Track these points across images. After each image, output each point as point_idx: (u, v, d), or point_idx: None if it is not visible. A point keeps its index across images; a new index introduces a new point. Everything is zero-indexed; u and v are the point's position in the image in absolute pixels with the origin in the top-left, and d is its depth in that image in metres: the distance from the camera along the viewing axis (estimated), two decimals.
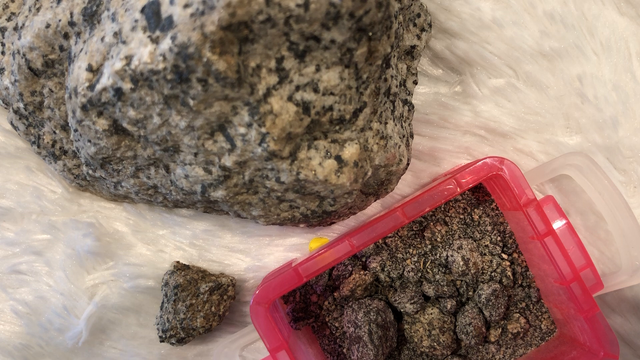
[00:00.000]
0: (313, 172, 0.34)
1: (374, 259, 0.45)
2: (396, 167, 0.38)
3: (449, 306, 0.44)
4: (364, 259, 0.46)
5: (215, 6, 0.26)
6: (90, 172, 0.40)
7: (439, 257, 0.44)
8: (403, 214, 0.38)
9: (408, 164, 0.41)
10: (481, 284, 0.44)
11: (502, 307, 0.43)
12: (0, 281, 0.47)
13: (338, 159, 0.34)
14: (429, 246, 0.45)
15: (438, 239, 0.45)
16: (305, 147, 0.33)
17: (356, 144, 0.34)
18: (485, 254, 0.44)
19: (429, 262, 0.44)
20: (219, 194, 0.36)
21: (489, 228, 0.45)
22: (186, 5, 0.27)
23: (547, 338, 0.44)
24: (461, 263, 0.42)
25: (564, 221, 0.40)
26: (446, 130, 0.46)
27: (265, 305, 0.39)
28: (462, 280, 0.44)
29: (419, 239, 0.45)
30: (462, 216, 0.45)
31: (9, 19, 0.42)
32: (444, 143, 0.46)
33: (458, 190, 0.38)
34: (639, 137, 0.44)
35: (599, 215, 0.45)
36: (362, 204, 0.41)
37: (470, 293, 0.44)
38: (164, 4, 0.27)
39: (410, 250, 0.45)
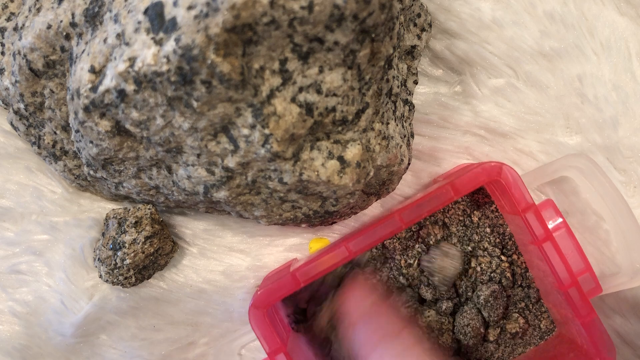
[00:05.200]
0: (316, 173, 0.34)
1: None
2: (397, 167, 0.39)
3: (444, 307, 0.44)
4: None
5: (219, 8, 0.26)
6: (91, 172, 0.39)
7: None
8: (401, 219, 0.38)
9: (409, 164, 0.41)
10: (480, 284, 0.44)
11: (501, 307, 0.43)
12: (0, 281, 0.47)
13: (341, 159, 0.34)
14: (427, 248, 0.45)
15: (432, 242, 0.45)
16: (308, 148, 0.33)
17: (358, 144, 0.34)
18: (484, 256, 0.44)
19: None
20: (221, 194, 0.36)
21: (488, 230, 0.45)
22: (190, 7, 0.27)
23: (546, 337, 0.45)
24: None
25: (563, 226, 0.40)
26: (446, 130, 0.46)
27: (263, 309, 0.39)
28: (461, 282, 0.44)
29: (413, 241, 0.45)
30: (461, 218, 0.45)
31: (8, 19, 0.41)
32: (444, 143, 0.46)
33: (456, 196, 0.38)
34: (639, 137, 0.44)
35: (600, 215, 0.45)
36: (364, 204, 0.41)
37: (470, 294, 0.44)
38: (167, 6, 0.27)
39: (407, 253, 0.45)
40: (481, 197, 0.46)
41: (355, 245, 0.38)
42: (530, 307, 0.45)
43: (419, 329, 0.43)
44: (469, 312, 0.43)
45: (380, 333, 0.35)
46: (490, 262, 0.44)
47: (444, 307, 0.44)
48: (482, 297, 0.43)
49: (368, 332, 0.35)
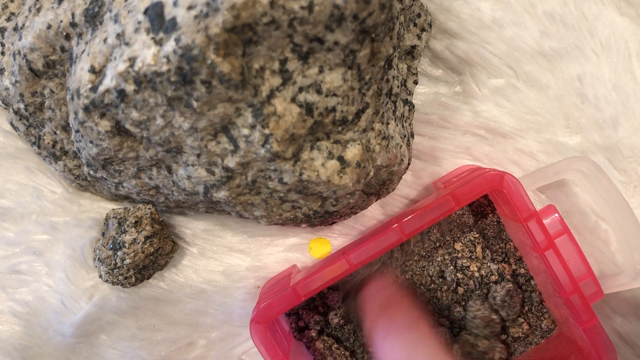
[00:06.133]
0: (316, 173, 0.34)
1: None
2: (397, 167, 0.39)
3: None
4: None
5: (219, 8, 0.26)
6: (91, 172, 0.39)
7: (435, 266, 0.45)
8: (401, 230, 0.38)
9: (409, 164, 0.41)
10: (493, 285, 0.44)
11: (518, 305, 0.43)
12: (0, 281, 0.47)
13: (341, 159, 0.34)
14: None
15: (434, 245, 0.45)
16: (308, 148, 0.33)
17: (358, 144, 0.34)
18: (486, 261, 0.44)
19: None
20: (221, 194, 0.36)
21: (490, 235, 0.45)
22: (190, 7, 0.27)
23: (547, 336, 0.45)
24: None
25: (565, 231, 0.40)
26: (446, 130, 0.46)
27: (264, 324, 0.39)
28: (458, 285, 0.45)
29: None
30: (460, 223, 0.45)
31: (8, 19, 0.41)
32: (444, 143, 0.46)
33: (457, 206, 0.38)
34: (639, 137, 0.44)
35: (600, 215, 0.45)
36: (364, 204, 0.41)
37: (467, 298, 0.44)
38: (167, 6, 0.27)
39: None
40: (481, 198, 0.45)
41: (356, 257, 0.38)
42: (533, 310, 0.45)
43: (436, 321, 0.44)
44: (473, 305, 0.44)
45: (395, 323, 0.35)
46: (489, 266, 0.44)
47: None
48: (498, 298, 0.43)
49: (384, 323, 0.36)
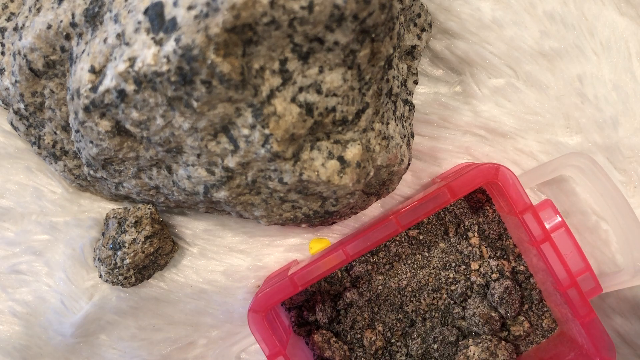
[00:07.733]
0: (316, 173, 0.34)
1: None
2: (398, 167, 0.39)
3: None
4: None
5: (219, 8, 0.26)
6: (91, 172, 0.39)
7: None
8: (397, 222, 0.39)
9: (409, 164, 0.41)
10: (492, 282, 0.44)
11: (517, 302, 0.43)
12: (0, 281, 0.47)
13: (341, 159, 0.34)
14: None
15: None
16: (308, 148, 0.33)
17: (358, 144, 0.34)
18: (485, 258, 0.44)
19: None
20: (221, 194, 0.36)
21: (488, 232, 0.45)
22: (190, 7, 0.27)
23: (548, 335, 0.45)
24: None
25: (562, 226, 0.40)
26: (446, 130, 0.46)
27: (262, 313, 0.39)
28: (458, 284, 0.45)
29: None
30: (458, 220, 0.45)
31: (8, 19, 0.41)
32: (444, 143, 0.46)
33: (452, 198, 0.38)
34: (639, 137, 0.44)
35: (600, 214, 0.45)
36: (364, 204, 0.41)
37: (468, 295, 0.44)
38: (167, 6, 0.27)
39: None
40: (480, 195, 0.46)
41: (352, 248, 0.39)
42: (534, 308, 0.45)
43: None
44: (471, 303, 0.44)
45: None
46: (489, 264, 0.44)
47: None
48: (496, 295, 0.43)
49: None
